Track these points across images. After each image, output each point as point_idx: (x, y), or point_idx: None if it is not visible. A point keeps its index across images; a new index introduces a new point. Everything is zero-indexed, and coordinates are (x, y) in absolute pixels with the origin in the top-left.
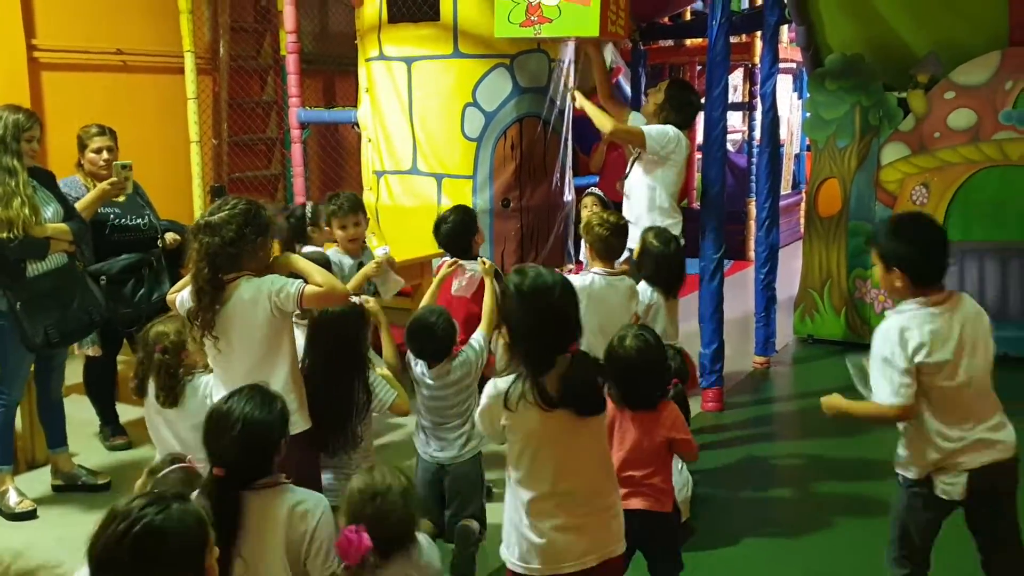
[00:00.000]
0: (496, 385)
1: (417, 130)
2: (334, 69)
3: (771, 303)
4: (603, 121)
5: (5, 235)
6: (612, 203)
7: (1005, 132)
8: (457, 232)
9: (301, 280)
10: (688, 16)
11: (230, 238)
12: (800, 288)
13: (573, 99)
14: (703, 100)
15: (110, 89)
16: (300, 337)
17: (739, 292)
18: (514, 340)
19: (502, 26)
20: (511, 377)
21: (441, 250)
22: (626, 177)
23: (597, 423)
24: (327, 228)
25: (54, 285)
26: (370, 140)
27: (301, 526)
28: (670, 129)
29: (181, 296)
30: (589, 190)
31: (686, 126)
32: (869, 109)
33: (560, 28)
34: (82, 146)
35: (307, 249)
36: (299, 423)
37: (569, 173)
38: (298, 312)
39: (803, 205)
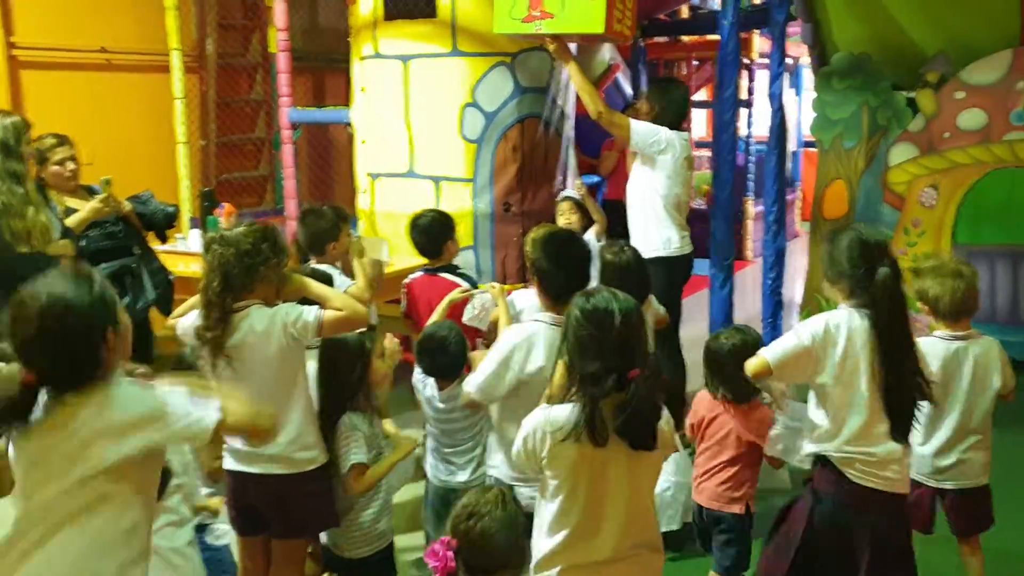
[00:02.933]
0: (550, 416)
1: (414, 131)
2: (324, 66)
3: (778, 308)
4: (590, 99)
5: (24, 249)
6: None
7: (1016, 133)
8: (431, 231)
9: (317, 307)
10: (686, 13)
11: (246, 250)
12: (806, 291)
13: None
14: (713, 100)
15: (93, 89)
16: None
17: (738, 293)
18: (572, 364)
19: (502, 21)
20: (568, 407)
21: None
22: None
23: (650, 460)
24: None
25: None
26: (364, 141)
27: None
28: (662, 130)
29: (182, 323)
30: (564, 194)
31: (677, 126)
32: (877, 109)
33: (563, 24)
34: (41, 159)
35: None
36: (319, 457)
37: (572, 175)
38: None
39: (798, 203)
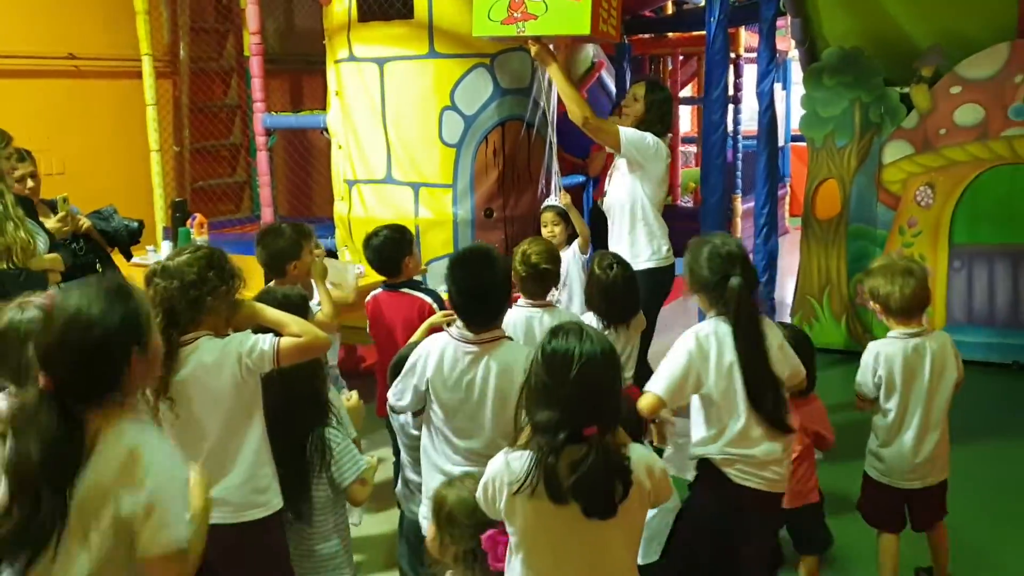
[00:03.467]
0: (509, 463)
1: (391, 136)
2: (301, 68)
3: (771, 314)
4: (575, 105)
5: (4, 266)
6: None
7: (1015, 128)
8: (384, 250)
9: (273, 334)
10: (670, 9)
11: (191, 281)
12: (797, 294)
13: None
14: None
15: (62, 96)
16: None
17: None
18: (528, 409)
19: (481, 23)
20: (526, 456)
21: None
22: (605, 194)
23: (626, 521)
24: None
25: None
26: (340, 147)
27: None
28: (648, 136)
29: None
30: (547, 203)
31: (665, 133)
32: (869, 105)
33: (546, 26)
34: None
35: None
36: (275, 501)
37: (556, 178)
38: None
39: (787, 199)
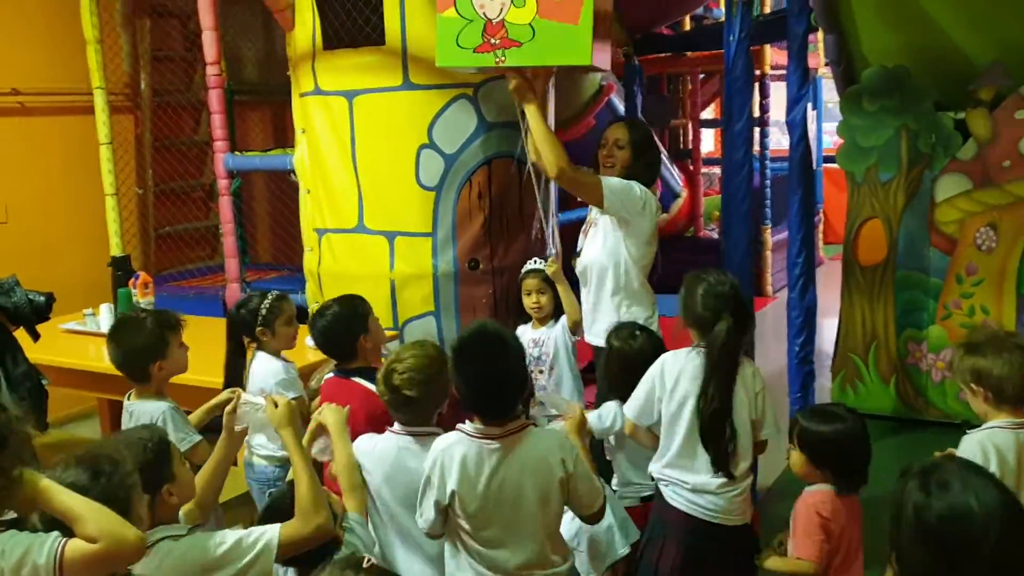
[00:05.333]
0: None
1: (362, 180)
2: (283, 100)
3: (809, 380)
4: (551, 152)
5: None
6: None
7: None
8: (333, 333)
9: (57, 533)
10: (688, 25)
11: None
12: (839, 351)
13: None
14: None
15: (4, 136)
16: None
17: (757, 341)
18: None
19: (447, 51)
20: None
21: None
22: (578, 253)
23: None
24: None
25: None
26: (308, 191)
27: None
28: (635, 186)
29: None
30: (528, 267)
31: (653, 182)
32: (918, 133)
33: (533, 55)
34: None
35: (261, 359)
36: None
37: (554, 220)
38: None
39: (821, 226)
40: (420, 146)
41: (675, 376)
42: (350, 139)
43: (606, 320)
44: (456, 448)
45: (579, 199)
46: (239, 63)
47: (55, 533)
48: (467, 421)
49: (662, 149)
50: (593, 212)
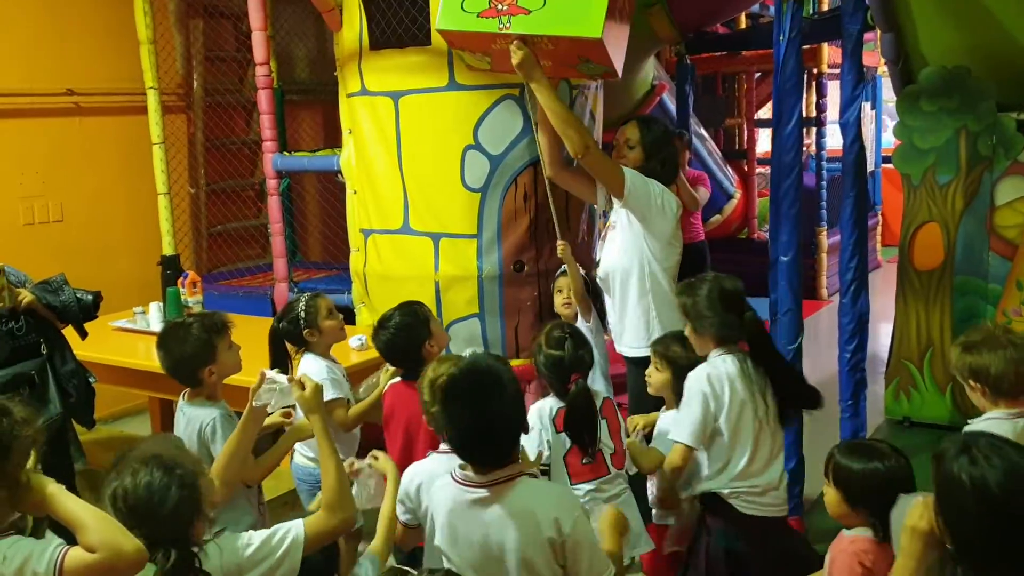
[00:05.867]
0: None
1: (407, 181)
2: (335, 99)
3: (860, 388)
4: (571, 130)
5: None
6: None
7: None
8: (399, 341)
9: (60, 541)
10: (744, 23)
11: None
12: (893, 358)
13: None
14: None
15: (59, 136)
16: None
17: (809, 346)
18: (961, 550)
19: (450, 14)
20: None
21: None
22: (598, 262)
23: None
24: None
25: None
26: (355, 192)
27: None
28: (653, 184)
29: None
30: (564, 267)
31: (671, 182)
32: (978, 135)
33: (541, 23)
34: None
35: (307, 360)
36: None
37: (599, 223)
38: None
39: (879, 228)
40: (465, 147)
41: (727, 387)
42: (396, 140)
43: (634, 329)
44: (442, 494)
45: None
46: (291, 63)
47: (57, 541)
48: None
49: (715, 149)
50: (611, 215)
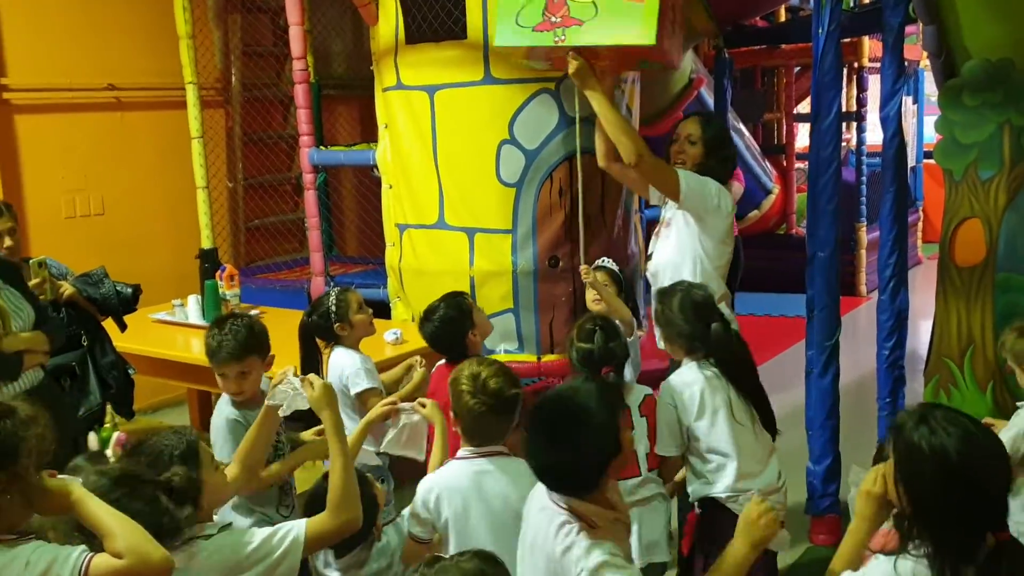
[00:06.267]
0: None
1: (442, 175)
2: (372, 94)
3: (899, 385)
4: (627, 138)
5: None
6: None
7: None
8: (443, 333)
9: (84, 547)
10: (784, 15)
11: None
12: (932, 355)
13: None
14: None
15: (100, 130)
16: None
17: (848, 343)
18: (919, 514)
19: (507, 31)
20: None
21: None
22: (649, 257)
23: None
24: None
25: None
26: (390, 186)
27: None
28: (711, 183)
29: None
30: (598, 262)
31: (727, 179)
32: (1022, 130)
33: (595, 33)
34: None
35: (339, 353)
36: None
37: (634, 218)
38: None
39: (920, 224)
40: (501, 141)
41: (698, 392)
42: (431, 134)
43: None
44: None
45: (649, 200)
46: (328, 57)
47: (81, 547)
48: None
49: (753, 144)
50: (666, 211)
